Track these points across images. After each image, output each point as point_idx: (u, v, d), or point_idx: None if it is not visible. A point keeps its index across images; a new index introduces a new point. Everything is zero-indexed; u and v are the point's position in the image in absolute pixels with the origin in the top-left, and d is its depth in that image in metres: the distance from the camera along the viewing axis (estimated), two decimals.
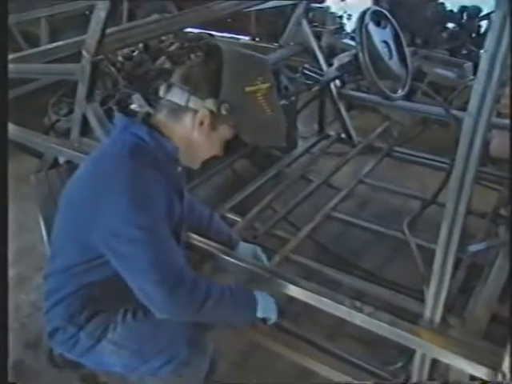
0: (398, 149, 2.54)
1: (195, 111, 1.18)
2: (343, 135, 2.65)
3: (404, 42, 2.06)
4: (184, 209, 1.33)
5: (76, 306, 1.27)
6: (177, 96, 1.19)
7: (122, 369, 1.34)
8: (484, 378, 1.14)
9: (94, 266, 1.22)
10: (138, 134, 1.19)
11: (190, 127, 1.20)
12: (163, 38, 2.51)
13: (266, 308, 1.35)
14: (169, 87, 1.21)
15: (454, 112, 2.23)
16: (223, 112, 1.17)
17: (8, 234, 0.95)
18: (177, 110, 1.20)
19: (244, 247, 1.59)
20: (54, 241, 1.34)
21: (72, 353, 1.34)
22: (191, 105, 1.18)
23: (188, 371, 1.30)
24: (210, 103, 1.17)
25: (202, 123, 1.19)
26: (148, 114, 1.27)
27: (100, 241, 1.16)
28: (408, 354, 1.40)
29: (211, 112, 1.17)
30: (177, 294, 1.14)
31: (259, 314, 1.34)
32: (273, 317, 1.38)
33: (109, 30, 1.62)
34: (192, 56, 2.46)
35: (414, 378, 1.33)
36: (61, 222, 1.29)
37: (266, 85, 1.20)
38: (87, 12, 2.87)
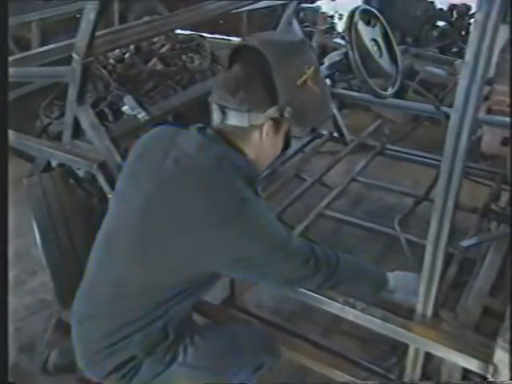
0: (390, 147, 2.56)
1: (260, 126, 1.12)
2: (335, 134, 2.67)
3: (394, 40, 2.07)
4: None
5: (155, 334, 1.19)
6: (236, 119, 1.11)
7: None
8: (476, 370, 1.15)
9: (185, 296, 1.17)
10: (228, 156, 1.11)
11: (258, 141, 1.14)
12: (154, 39, 2.52)
13: (406, 288, 1.29)
14: (223, 113, 1.12)
15: (445, 109, 2.25)
16: (286, 115, 1.11)
17: (8, 236, 0.95)
18: (240, 132, 1.13)
19: None
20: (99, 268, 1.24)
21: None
22: (254, 122, 1.11)
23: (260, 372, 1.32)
24: (271, 112, 1.11)
25: (267, 133, 1.14)
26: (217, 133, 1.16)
27: (221, 267, 1.12)
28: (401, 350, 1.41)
29: (274, 119, 1.12)
30: (319, 268, 1.16)
31: (399, 296, 1.29)
32: (412, 299, 1.27)
33: (99, 33, 1.62)
34: (183, 57, 2.47)
35: (408, 373, 1.35)
36: (127, 250, 1.16)
37: (312, 69, 1.14)
38: (78, 15, 2.87)
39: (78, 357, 1.28)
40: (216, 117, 1.13)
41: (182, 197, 1.09)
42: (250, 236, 1.07)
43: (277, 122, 1.13)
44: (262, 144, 1.15)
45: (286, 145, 1.24)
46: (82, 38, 1.55)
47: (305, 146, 2.61)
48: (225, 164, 1.10)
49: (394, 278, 1.31)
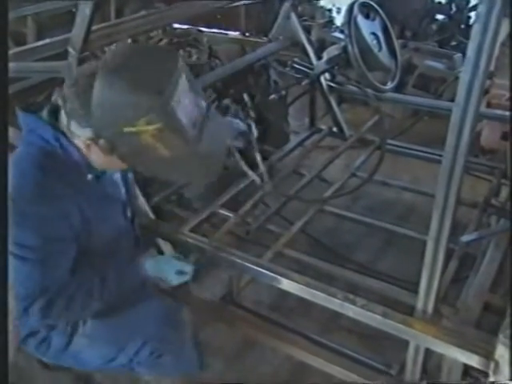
0: (389, 141, 2.54)
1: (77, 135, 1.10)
2: (334, 129, 2.65)
3: (393, 34, 2.06)
4: (127, 214, 1.32)
5: None
6: (61, 114, 1.11)
7: (101, 361, 1.31)
8: (476, 366, 1.14)
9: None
10: (45, 137, 1.11)
11: (86, 148, 1.12)
12: (152, 34, 2.50)
13: (159, 270, 1.29)
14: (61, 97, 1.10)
15: (445, 103, 2.23)
16: (103, 146, 1.07)
17: (8, 236, 0.94)
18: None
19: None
20: None
21: (48, 356, 1.33)
22: (72, 128, 1.09)
23: (166, 349, 1.27)
24: (88, 132, 1.07)
25: (90, 147, 1.10)
26: (55, 110, 1.14)
27: None
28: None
29: (93, 140, 1.08)
30: (50, 309, 1.15)
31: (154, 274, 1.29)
32: (170, 278, 1.30)
33: (95, 27, 1.60)
34: (181, 52, 2.45)
35: (408, 369, 1.34)
36: None
37: (154, 126, 1.02)
38: (74, 9, 2.84)
39: None
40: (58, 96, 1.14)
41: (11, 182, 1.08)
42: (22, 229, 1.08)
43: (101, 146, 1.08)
44: (90, 153, 1.13)
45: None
46: (77, 33, 1.53)
47: (303, 140, 2.60)
48: (43, 152, 1.12)
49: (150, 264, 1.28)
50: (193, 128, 1.07)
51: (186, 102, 1.06)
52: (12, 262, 1.07)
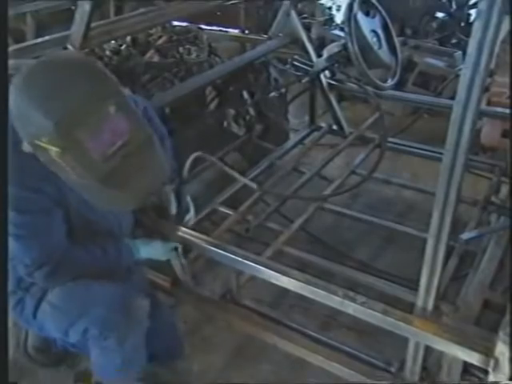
0: (389, 139, 2.54)
1: None
2: (334, 127, 2.65)
3: (393, 31, 2.05)
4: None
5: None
6: None
7: (57, 333, 1.34)
8: (476, 363, 1.14)
9: None
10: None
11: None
12: (151, 31, 2.49)
13: (149, 253, 1.41)
14: None
15: (445, 101, 2.23)
16: (29, 150, 1.08)
17: (8, 235, 0.95)
18: None
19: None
20: None
21: (22, 319, 1.37)
22: (20, 132, 1.08)
23: (114, 334, 1.26)
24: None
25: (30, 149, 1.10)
26: None
27: None
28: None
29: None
30: (55, 273, 1.24)
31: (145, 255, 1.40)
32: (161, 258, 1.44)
33: (94, 24, 1.60)
34: (180, 49, 2.45)
35: (408, 366, 1.34)
36: None
37: (55, 148, 1.00)
38: (73, 7, 2.83)
39: None
40: None
41: None
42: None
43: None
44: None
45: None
46: (77, 30, 1.53)
47: (303, 138, 2.60)
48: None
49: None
50: (104, 157, 1.02)
51: (102, 129, 1.01)
52: (10, 243, 1.13)
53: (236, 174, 1.91)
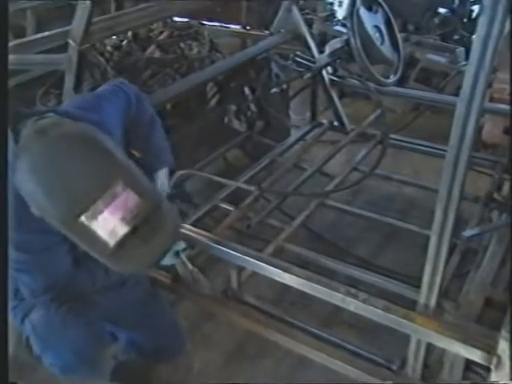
0: (391, 136, 2.53)
1: None
2: (336, 123, 2.64)
3: (396, 27, 2.04)
4: None
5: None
6: None
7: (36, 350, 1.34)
8: (479, 361, 1.14)
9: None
10: None
11: None
12: (152, 26, 2.48)
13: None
14: None
15: (447, 98, 2.22)
16: None
17: (8, 236, 0.94)
18: None
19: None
20: None
21: (15, 323, 1.36)
22: None
23: (73, 377, 1.33)
24: None
25: None
26: None
27: None
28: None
29: None
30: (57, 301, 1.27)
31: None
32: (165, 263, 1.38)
33: (95, 19, 1.59)
34: (182, 45, 2.44)
35: (410, 364, 1.34)
36: None
37: (64, 230, 1.00)
38: (73, 2, 2.82)
39: None
40: None
41: None
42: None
43: None
44: None
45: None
46: (78, 25, 1.52)
47: (305, 135, 2.59)
48: None
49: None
50: (113, 241, 0.97)
51: (110, 211, 0.96)
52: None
53: (228, 181, 1.94)
